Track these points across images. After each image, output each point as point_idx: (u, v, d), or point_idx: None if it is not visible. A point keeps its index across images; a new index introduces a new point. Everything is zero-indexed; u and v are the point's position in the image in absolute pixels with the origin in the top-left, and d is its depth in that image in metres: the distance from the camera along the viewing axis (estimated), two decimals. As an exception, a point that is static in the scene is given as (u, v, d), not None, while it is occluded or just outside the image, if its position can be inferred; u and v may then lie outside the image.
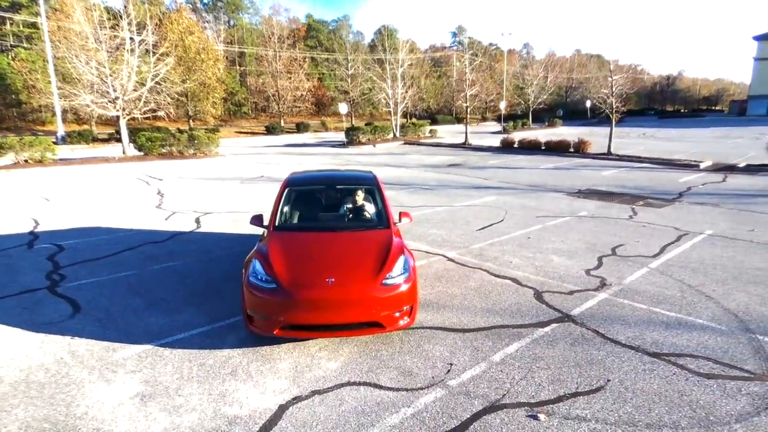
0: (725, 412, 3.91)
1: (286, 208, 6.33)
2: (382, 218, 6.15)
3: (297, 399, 4.12)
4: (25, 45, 52.43)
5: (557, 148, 25.84)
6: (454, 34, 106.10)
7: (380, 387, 4.29)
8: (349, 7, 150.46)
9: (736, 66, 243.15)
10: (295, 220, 6.33)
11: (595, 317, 5.75)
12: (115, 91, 21.95)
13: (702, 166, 20.56)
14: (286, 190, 6.42)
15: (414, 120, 46.43)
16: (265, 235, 5.86)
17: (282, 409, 3.99)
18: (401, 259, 5.15)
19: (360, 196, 6.50)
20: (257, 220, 6.16)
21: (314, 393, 4.21)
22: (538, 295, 6.43)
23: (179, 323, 5.58)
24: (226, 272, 7.32)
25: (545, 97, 46.78)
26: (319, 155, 26.13)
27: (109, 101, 21.98)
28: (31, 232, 9.85)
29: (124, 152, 22.97)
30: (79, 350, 4.98)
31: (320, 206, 6.69)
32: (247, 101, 59.78)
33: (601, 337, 5.24)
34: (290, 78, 48.19)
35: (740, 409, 3.94)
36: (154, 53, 23.62)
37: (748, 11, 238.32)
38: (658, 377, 4.42)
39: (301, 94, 51.75)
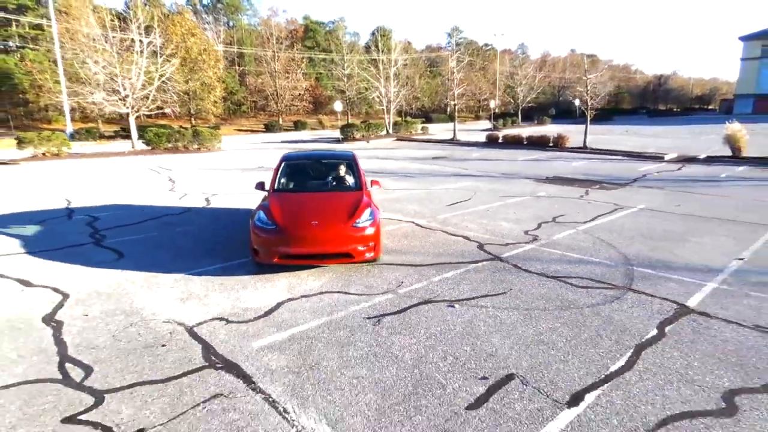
0: (582, 303, 5.71)
1: (282, 179, 8.11)
2: (357, 183, 7.93)
3: (290, 299, 5.90)
4: (30, 46, 54.05)
5: (538, 143, 27.63)
6: (449, 35, 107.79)
7: (349, 293, 6.07)
8: (346, 6, 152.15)
9: (729, 65, 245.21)
10: (290, 186, 8.11)
11: (518, 258, 7.54)
12: (124, 89, 23.72)
13: (666, 158, 22.36)
14: (282, 164, 8.21)
15: (407, 118, 48.23)
16: (266, 196, 7.64)
17: (279, 304, 5.76)
18: (368, 210, 6.93)
19: (342, 170, 8.29)
20: (260, 185, 7.93)
21: (302, 296, 5.99)
22: (481, 246, 8.22)
23: (201, 264, 7.33)
24: (233, 234, 9.07)
25: (534, 96, 48.57)
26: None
27: (120, 99, 23.75)
28: (67, 208, 11.62)
29: (133, 146, 24.72)
30: (130, 277, 6.75)
31: (309, 176, 8.46)
32: (246, 100, 61.47)
33: (516, 268, 7.03)
34: (288, 78, 49.91)
35: (593, 302, 5.74)
36: (160, 54, 25.37)
37: (742, 12, 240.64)
38: (546, 287, 6.22)
39: (299, 93, 53.53)
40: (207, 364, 4.43)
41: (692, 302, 5.78)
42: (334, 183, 8.13)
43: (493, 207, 11.54)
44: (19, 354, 4.65)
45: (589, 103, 26.79)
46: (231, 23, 72.78)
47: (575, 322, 5.22)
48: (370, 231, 6.72)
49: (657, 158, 22.26)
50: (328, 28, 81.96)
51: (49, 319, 5.41)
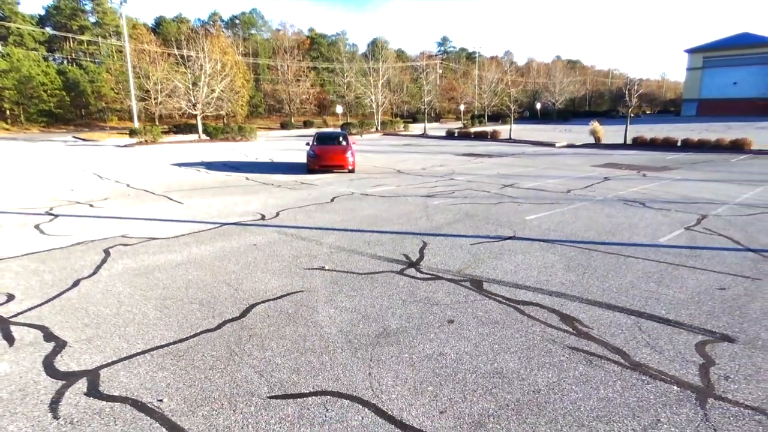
0: (427, 189, 17.22)
1: (315, 141, 19.61)
2: (346, 143, 19.46)
3: (322, 177, 17.39)
4: (83, 60, 65.84)
5: (480, 136, 39.11)
6: (440, 44, 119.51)
7: (341, 180, 17.57)
8: (348, 18, 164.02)
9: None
10: (318, 143, 19.62)
11: (413, 173, 18.99)
12: (195, 97, 35.30)
13: (557, 145, 33.73)
14: (315, 135, 19.79)
15: (395, 118, 59.81)
16: (311, 146, 19.14)
17: (318, 179, 17.24)
18: (350, 152, 18.44)
19: (340, 138, 19.82)
20: (307, 144, 19.45)
21: (325, 177, 17.49)
22: (399, 171, 19.68)
23: (283, 174, 18.79)
24: (292, 167, 20.52)
25: (497, 100, 59.99)
26: (322, 140, 39.50)
27: (193, 104, 35.35)
28: (203, 161, 23.13)
29: (199, 137, 36.24)
30: (250, 176, 18.22)
31: (327, 139, 19.97)
32: (261, 103, 73.09)
33: (405, 174, 18.50)
34: (298, 85, 61.48)
35: (429, 190, 17.25)
36: (210, 74, 37.05)
37: (717, 21, 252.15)
38: (414, 180, 17.72)
39: (307, 98, 65.07)
40: (302, 183, 15.88)
41: (459, 178, 17.23)
42: (336, 143, 19.64)
43: (417, 162, 23.03)
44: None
45: (512, 108, 38.03)
46: (247, 35, 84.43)
47: (424, 185, 16.68)
48: (351, 159, 18.23)
49: (550, 145, 33.66)
50: (330, 40, 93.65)
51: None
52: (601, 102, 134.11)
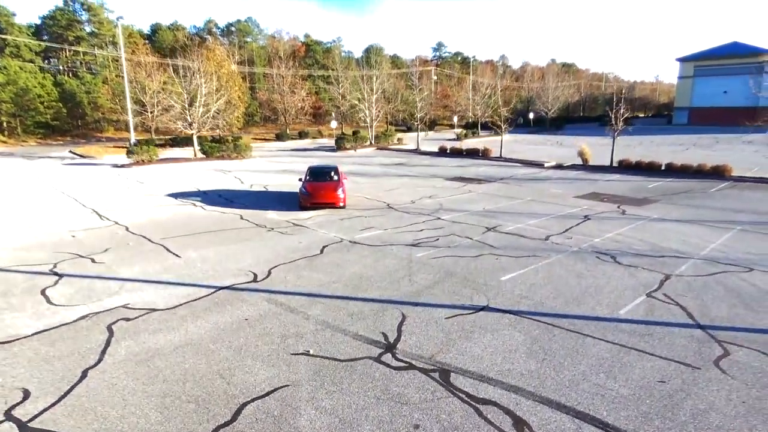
0: (416, 217, 17.95)
1: (308, 175, 20.28)
2: (339, 179, 20.12)
3: (314, 216, 18.07)
4: (79, 70, 66.12)
5: (471, 153, 39.84)
6: (435, 49, 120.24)
7: (332, 215, 18.25)
8: (343, 24, 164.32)
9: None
10: (310, 179, 20.28)
11: (401, 208, 19.71)
12: (191, 117, 35.88)
13: (545, 165, 34.50)
14: (308, 169, 20.48)
15: (389, 128, 60.48)
16: (303, 182, 19.81)
17: (310, 218, 17.93)
18: (341, 189, 19.14)
19: (332, 172, 20.50)
20: (300, 180, 20.13)
21: (316, 216, 18.16)
22: (388, 206, 20.39)
23: (278, 207, 19.47)
24: (285, 199, 21.20)
25: (490, 111, 60.73)
26: (317, 158, 40.15)
27: (189, 123, 35.94)
28: (198, 190, 23.76)
29: (195, 154, 36.82)
30: (244, 214, 18.91)
31: (319, 174, 20.63)
32: (257, 112, 73.60)
33: (395, 210, 19.20)
34: (294, 95, 62.02)
35: (424, 216, 17.97)
36: (217, 91, 37.58)
37: (713, 23, 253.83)
38: (402, 214, 18.44)
39: (302, 107, 65.63)
40: (294, 224, 16.58)
41: (445, 217, 17.95)
42: (328, 178, 20.31)
43: (407, 191, 23.73)
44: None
45: (503, 119, 38.78)
46: (243, 43, 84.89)
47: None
48: (341, 197, 18.94)
49: (540, 165, 34.44)
50: (326, 47, 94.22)
51: (240, 218, 17.62)
52: (595, 107, 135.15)
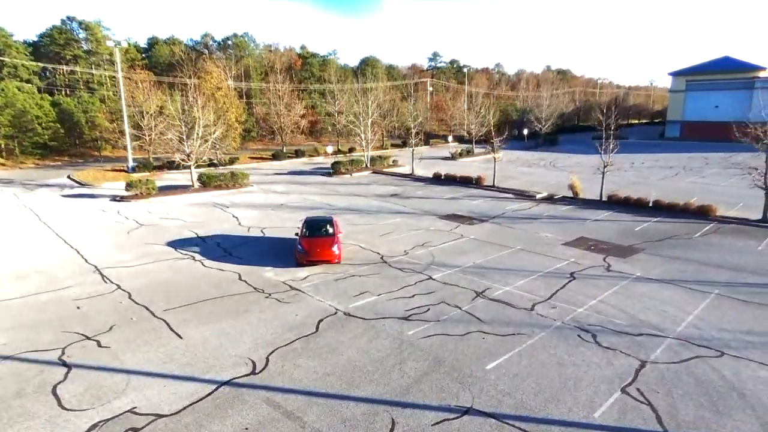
0: (406, 275, 18.61)
1: (305, 229, 20.91)
2: (334, 233, 20.76)
3: (310, 275, 18.71)
4: (77, 87, 66.47)
5: (465, 181, 40.53)
6: (431, 59, 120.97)
7: (327, 272, 18.89)
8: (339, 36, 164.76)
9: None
10: (307, 233, 20.91)
11: (395, 263, 20.36)
12: (189, 149, 36.47)
13: (537, 196, 35.23)
14: (305, 222, 21.15)
15: (383, 144, 61.17)
16: (299, 236, 20.45)
17: (306, 278, 18.57)
18: (336, 245, 19.79)
19: (327, 226, 21.15)
20: (297, 234, 20.78)
21: (312, 275, 18.81)
22: (382, 258, 21.05)
23: (275, 263, 20.10)
24: (284, 249, 21.83)
25: (485, 130, 61.47)
26: (313, 185, 40.81)
27: (186, 155, 36.54)
28: (197, 235, 24.37)
29: (193, 185, 37.38)
30: (242, 272, 19.53)
31: (315, 228, 21.26)
32: (254, 127, 74.09)
33: (389, 266, 19.86)
34: (290, 113, 62.56)
35: (414, 276, 18.64)
36: (214, 123, 38.18)
37: (712, 29, 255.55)
38: (398, 271, 19.10)
39: (297, 123, 66.20)
40: (289, 289, 17.21)
41: (437, 276, 18.62)
42: (324, 232, 20.94)
43: (401, 237, 24.39)
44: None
45: (494, 141, 39.50)
46: (239, 58, 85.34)
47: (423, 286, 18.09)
48: (336, 252, 19.61)
49: (531, 197, 35.15)
50: (322, 59, 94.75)
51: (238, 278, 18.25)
52: (589, 116, 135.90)
